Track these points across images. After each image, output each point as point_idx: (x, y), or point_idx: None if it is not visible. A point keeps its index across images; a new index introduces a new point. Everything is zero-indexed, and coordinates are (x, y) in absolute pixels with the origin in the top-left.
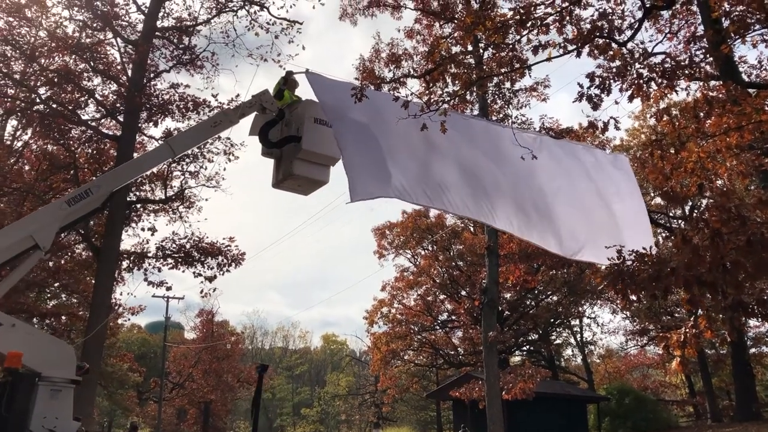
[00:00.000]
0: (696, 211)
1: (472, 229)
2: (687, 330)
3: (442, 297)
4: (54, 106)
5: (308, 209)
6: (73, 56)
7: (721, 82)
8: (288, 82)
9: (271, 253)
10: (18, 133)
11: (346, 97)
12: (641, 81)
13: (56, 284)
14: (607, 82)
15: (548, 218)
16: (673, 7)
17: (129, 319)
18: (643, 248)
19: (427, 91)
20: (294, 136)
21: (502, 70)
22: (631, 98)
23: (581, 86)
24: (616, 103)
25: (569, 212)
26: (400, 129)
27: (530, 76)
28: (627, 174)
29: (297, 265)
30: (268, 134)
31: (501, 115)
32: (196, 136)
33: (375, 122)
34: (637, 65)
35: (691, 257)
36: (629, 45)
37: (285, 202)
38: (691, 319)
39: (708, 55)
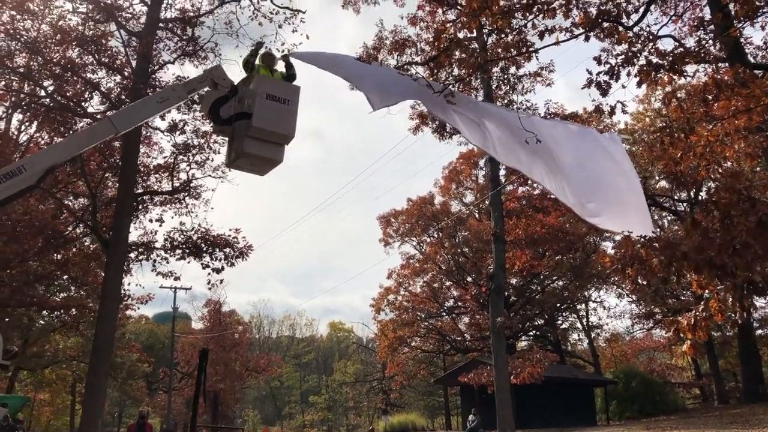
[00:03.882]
0: (706, 193)
1: (477, 215)
2: (697, 313)
3: (448, 283)
4: (59, 98)
5: (310, 199)
6: (78, 49)
7: (728, 65)
8: (265, 57)
9: (273, 243)
10: (23, 126)
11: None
12: (650, 68)
13: (65, 277)
14: (617, 68)
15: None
16: None
17: (138, 308)
18: (652, 232)
19: (432, 78)
20: (245, 113)
21: (509, 54)
22: (639, 83)
23: (590, 73)
24: (623, 87)
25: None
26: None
27: (537, 60)
28: (623, 153)
29: (299, 254)
30: (220, 111)
31: (506, 101)
32: (140, 112)
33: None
34: (646, 52)
35: (702, 241)
36: (635, 28)
37: (286, 190)
38: (701, 302)
39: (716, 40)
